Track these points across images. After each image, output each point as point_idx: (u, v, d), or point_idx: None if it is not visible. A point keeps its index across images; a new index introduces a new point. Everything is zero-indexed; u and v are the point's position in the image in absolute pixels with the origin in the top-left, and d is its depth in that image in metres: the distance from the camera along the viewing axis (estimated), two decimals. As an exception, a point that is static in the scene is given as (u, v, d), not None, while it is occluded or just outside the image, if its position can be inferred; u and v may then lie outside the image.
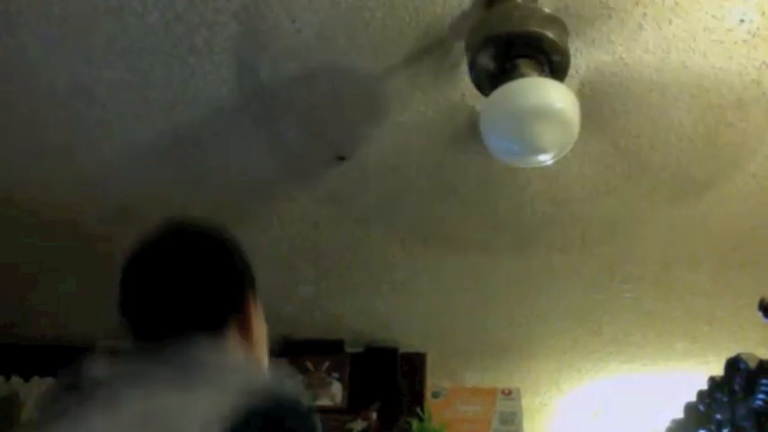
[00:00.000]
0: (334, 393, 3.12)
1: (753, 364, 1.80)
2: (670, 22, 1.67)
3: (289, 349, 3.23)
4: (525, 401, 3.40)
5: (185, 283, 1.12)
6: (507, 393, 3.34)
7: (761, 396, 1.74)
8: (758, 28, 1.67)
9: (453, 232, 2.50)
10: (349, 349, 3.24)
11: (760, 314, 1.84)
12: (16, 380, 3.07)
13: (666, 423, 2.30)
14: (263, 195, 2.34)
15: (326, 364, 3.18)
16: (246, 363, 1.09)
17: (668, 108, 1.92)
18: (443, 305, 2.97)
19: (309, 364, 3.19)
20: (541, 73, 1.59)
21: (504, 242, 2.54)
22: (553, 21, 1.61)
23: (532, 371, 3.49)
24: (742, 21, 1.66)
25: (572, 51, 1.69)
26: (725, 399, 1.91)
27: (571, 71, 1.71)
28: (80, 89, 1.92)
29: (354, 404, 3.08)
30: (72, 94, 1.94)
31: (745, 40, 1.71)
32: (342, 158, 2.13)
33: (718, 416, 1.94)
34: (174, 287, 1.12)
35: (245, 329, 1.12)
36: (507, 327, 3.11)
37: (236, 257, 1.19)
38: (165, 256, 1.19)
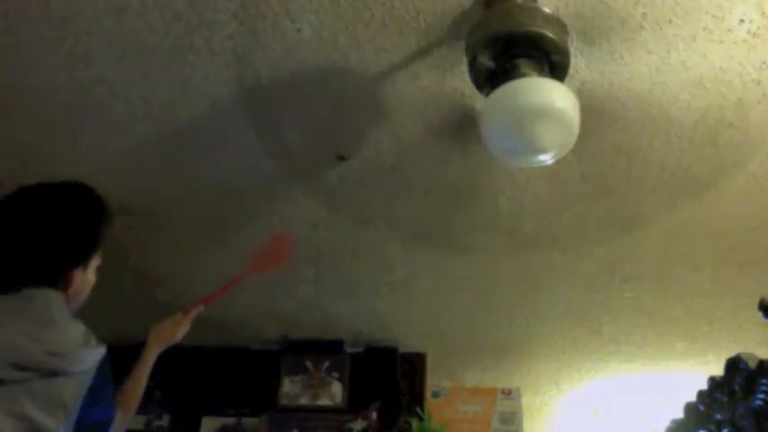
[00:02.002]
0: (334, 393, 3.12)
1: (753, 364, 1.80)
2: (670, 22, 1.67)
3: (289, 349, 3.24)
4: (525, 401, 3.40)
5: (29, 245, 1.40)
6: (507, 393, 3.35)
7: (761, 396, 1.74)
8: (758, 28, 1.67)
9: (453, 232, 2.50)
10: (349, 349, 3.24)
11: (760, 314, 1.84)
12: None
13: (666, 423, 2.30)
14: (263, 195, 2.34)
15: (326, 364, 3.19)
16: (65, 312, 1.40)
17: (668, 108, 1.92)
18: (443, 305, 2.97)
19: (309, 364, 3.19)
20: (541, 73, 1.59)
21: (504, 242, 2.54)
22: (553, 21, 1.61)
23: (532, 371, 3.50)
24: (742, 21, 1.66)
25: (572, 51, 1.69)
26: (725, 399, 1.91)
27: (571, 71, 1.71)
28: (80, 89, 1.92)
29: (354, 404, 3.08)
30: (72, 94, 1.94)
31: (745, 40, 1.71)
32: (342, 158, 2.13)
33: (718, 416, 1.94)
34: (19, 249, 1.40)
35: (69, 285, 1.43)
36: (507, 327, 3.11)
37: (84, 221, 1.47)
38: (11, 219, 1.44)
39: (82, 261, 1.46)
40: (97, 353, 1.39)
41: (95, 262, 1.52)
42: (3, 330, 1.29)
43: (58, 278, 1.42)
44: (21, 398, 1.25)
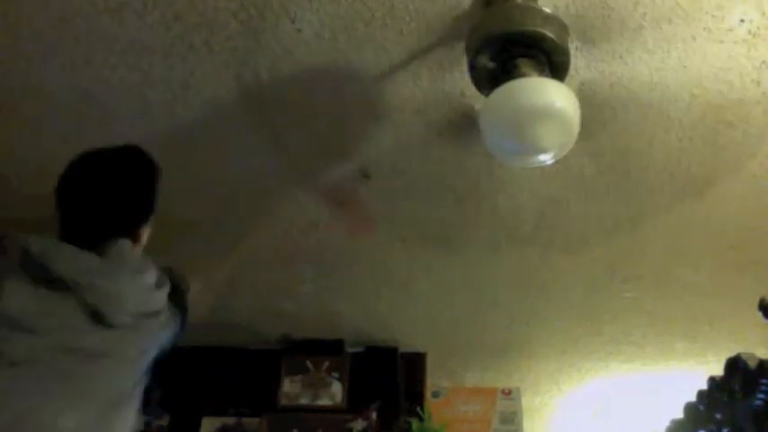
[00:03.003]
0: (334, 393, 3.12)
1: (753, 364, 1.80)
2: (670, 21, 1.67)
3: (289, 349, 3.24)
4: (525, 401, 3.40)
5: (114, 205, 1.57)
6: (507, 393, 3.35)
7: (761, 396, 1.74)
8: (758, 28, 1.67)
9: (453, 232, 2.50)
10: (349, 349, 3.24)
11: (760, 314, 1.84)
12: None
13: (666, 423, 2.30)
14: (263, 195, 2.34)
15: (326, 364, 3.19)
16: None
17: (668, 108, 1.92)
18: (443, 305, 2.97)
19: (309, 364, 3.19)
20: (541, 73, 1.59)
21: (504, 242, 2.54)
22: (553, 21, 1.61)
23: (532, 370, 3.50)
24: (742, 21, 1.66)
25: (572, 51, 1.69)
26: (725, 399, 1.91)
27: (571, 71, 1.71)
28: (80, 89, 1.92)
29: (354, 404, 3.08)
30: (72, 94, 1.94)
31: (745, 40, 1.71)
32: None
33: (718, 416, 1.94)
34: (104, 207, 1.56)
35: (137, 240, 1.60)
36: (507, 327, 3.11)
37: (145, 188, 1.64)
38: (87, 182, 1.60)
39: (148, 218, 1.64)
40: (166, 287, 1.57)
41: (152, 220, 1.67)
42: (113, 281, 1.44)
43: (133, 233, 1.59)
44: (134, 339, 1.45)
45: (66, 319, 1.37)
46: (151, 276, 1.52)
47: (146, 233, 1.63)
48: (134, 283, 1.48)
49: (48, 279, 1.38)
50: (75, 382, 1.34)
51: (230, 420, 3.10)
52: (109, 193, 1.58)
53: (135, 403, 1.47)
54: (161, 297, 1.53)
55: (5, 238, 1.45)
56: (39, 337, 1.33)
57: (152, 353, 1.51)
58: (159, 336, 1.53)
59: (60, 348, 1.35)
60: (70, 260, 1.42)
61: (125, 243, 1.53)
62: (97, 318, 1.39)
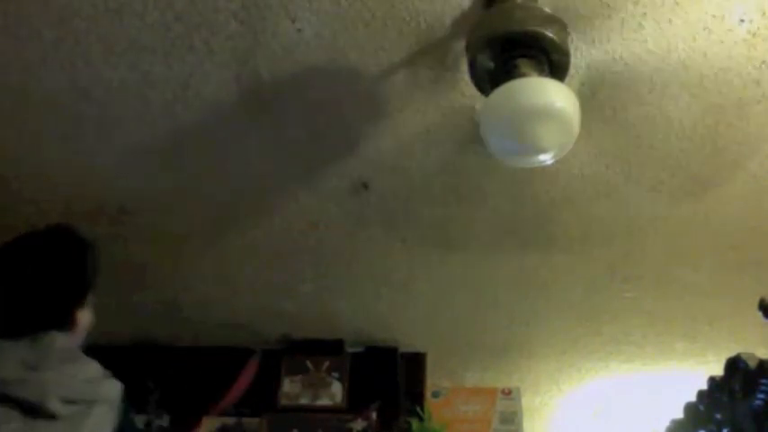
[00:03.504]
0: (334, 393, 3.12)
1: (753, 364, 1.80)
2: (670, 21, 1.67)
3: (289, 349, 3.24)
4: (525, 401, 3.40)
5: (38, 295, 1.55)
6: (507, 393, 3.34)
7: (761, 396, 1.73)
8: (758, 28, 1.67)
9: (453, 232, 2.50)
10: (349, 349, 3.24)
11: (760, 314, 1.84)
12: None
13: (666, 423, 2.29)
14: (263, 195, 2.34)
15: (326, 364, 3.18)
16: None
17: (668, 108, 1.92)
18: (443, 305, 2.97)
19: (309, 364, 3.19)
20: (541, 73, 1.59)
21: (503, 242, 2.54)
22: (553, 21, 1.61)
23: (532, 370, 3.50)
24: (742, 21, 1.66)
25: (572, 51, 1.69)
26: (725, 399, 1.91)
27: (571, 71, 1.71)
28: (80, 89, 1.92)
29: (354, 404, 3.08)
30: (72, 94, 1.94)
31: (745, 40, 1.71)
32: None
33: (718, 416, 1.94)
34: (29, 299, 1.54)
35: (74, 325, 1.58)
36: (507, 327, 3.11)
37: (73, 270, 1.61)
38: (12, 271, 1.58)
39: (81, 301, 1.61)
40: (117, 383, 1.54)
41: (92, 299, 1.65)
42: (40, 372, 1.44)
43: (65, 321, 1.57)
44: (77, 429, 1.42)
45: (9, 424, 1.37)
46: (86, 366, 1.51)
47: (84, 316, 1.61)
48: (62, 372, 1.46)
49: None
50: None
51: (230, 420, 3.10)
52: (34, 282, 1.56)
53: None
54: (103, 388, 1.50)
55: None
56: None
57: None
58: (106, 425, 1.49)
59: None
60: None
61: (55, 335, 1.51)
62: (33, 411, 1.38)
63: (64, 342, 1.53)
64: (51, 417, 1.39)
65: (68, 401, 1.42)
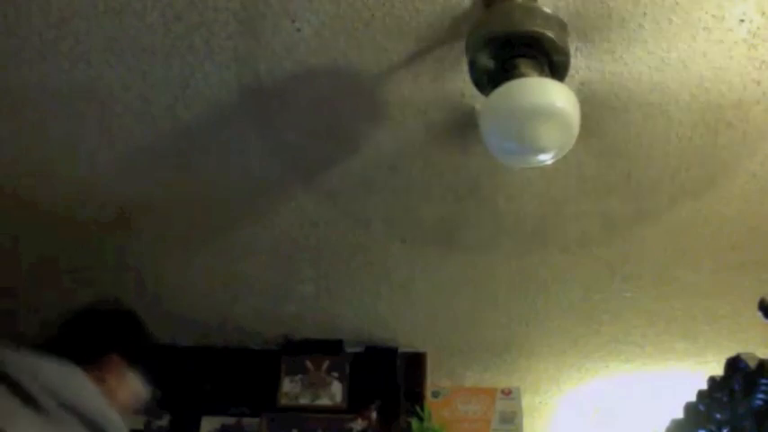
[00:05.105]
0: (334, 393, 3.12)
1: (753, 364, 1.80)
2: (670, 21, 1.67)
3: (289, 349, 3.24)
4: (525, 401, 3.40)
5: (74, 338, 1.71)
6: (507, 393, 3.34)
7: (761, 396, 1.73)
8: (758, 28, 1.67)
9: (453, 232, 2.50)
10: (349, 349, 3.24)
11: (760, 314, 1.84)
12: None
13: (666, 423, 2.29)
14: (263, 195, 2.34)
15: (326, 364, 3.18)
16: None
17: (668, 108, 1.92)
18: (443, 305, 2.97)
19: (309, 364, 3.19)
20: (541, 73, 1.59)
21: (503, 242, 2.53)
22: (553, 20, 1.61)
23: (532, 370, 3.49)
24: (742, 21, 1.66)
25: (572, 51, 1.69)
26: (725, 399, 1.91)
27: (571, 71, 1.71)
28: (80, 89, 1.92)
29: (354, 404, 3.08)
30: (72, 94, 1.94)
31: (745, 40, 1.71)
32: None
33: (718, 416, 1.93)
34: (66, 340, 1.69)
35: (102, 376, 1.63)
36: (507, 327, 3.11)
37: (117, 330, 1.83)
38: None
39: (112, 349, 1.74)
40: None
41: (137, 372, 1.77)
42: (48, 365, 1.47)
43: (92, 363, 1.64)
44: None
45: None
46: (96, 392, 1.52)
47: (113, 373, 1.68)
48: (75, 374, 1.49)
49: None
50: None
51: (230, 420, 3.10)
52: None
53: None
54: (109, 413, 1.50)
55: None
56: None
57: None
58: None
59: None
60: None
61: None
62: (29, 401, 1.38)
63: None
64: (40, 410, 1.38)
65: (68, 406, 1.42)
